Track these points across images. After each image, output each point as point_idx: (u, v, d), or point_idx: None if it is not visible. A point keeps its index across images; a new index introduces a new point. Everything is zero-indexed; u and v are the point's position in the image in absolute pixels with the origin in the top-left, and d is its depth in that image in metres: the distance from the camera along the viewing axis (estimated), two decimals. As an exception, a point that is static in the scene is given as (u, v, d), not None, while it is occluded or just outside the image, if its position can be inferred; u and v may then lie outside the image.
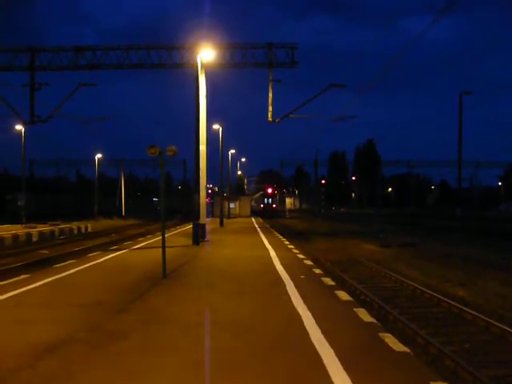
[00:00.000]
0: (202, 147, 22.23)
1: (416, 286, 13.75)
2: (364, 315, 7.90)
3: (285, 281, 11.20)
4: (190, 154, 22.95)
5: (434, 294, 12.44)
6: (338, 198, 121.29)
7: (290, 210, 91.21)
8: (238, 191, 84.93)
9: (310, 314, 7.77)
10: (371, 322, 7.54)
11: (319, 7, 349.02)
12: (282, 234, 29.10)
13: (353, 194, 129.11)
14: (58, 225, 37.22)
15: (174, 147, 11.89)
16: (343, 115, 33.91)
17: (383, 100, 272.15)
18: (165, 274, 11.55)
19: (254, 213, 68.12)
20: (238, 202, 64.59)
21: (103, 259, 15.72)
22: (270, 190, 77.18)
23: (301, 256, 17.01)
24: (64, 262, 15.41)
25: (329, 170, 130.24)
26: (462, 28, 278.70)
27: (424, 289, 13.25)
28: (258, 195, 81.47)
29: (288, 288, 10.23)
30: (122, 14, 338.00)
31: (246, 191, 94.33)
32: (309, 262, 15.26)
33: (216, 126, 40.23)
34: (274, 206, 74.94)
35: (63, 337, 6.48)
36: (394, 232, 35.18)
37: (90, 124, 37.51)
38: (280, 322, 7.48)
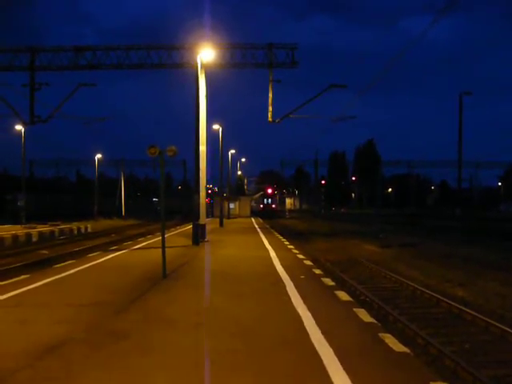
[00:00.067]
0: (202, 147, 22.22)
1: (416, 286, 13.75)
2: (364, 315, 7.90)
3: (285, 281, 11.20)
4: (190, 154, 22.96)
5: (434, 295, 12.44)
6: (337, 198, 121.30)
7: (290, 211, 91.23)
8: (237, 191, 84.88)
9: (309, 315, 7.77)
10: (371, 323, 7.54)
11: (319, 7, 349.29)
12: (281, 235, 29.11)
13: (353, 195, 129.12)
14: (57, 225, 37.21)
15: (173, 147, 11.89)
16: (343, 115, 33.93)
17: (383, 100, 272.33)
18: (165, 275, 11.55)
19: (254, 213, 68.12)
20: (237, 203, 64.60)
21: (103, 259, 15.72)
22: (269, 191, 77.23)
23: (301, 256, 17.02)
24: (64, 262, 15.42)
25: (329, 170, 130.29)
26: (461, 28, 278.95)
27: (424, 289, 13.26)
28: (257, 195, 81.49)
29: (288, 288, 10.23)
30: (122, 14, 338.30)
31: (246, 191, 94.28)
32: (309, 263, 15.26)
33: (216, 126, 40.22)
34: (274, 206, 74.98)
35: (63, 337, 6.48)
36: (394, 232, 35.17)
37: (90, 124, 37.44)
38: (280, 322, 7.48)
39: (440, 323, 10.15)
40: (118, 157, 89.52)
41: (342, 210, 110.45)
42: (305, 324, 7.21)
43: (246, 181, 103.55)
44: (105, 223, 50.51)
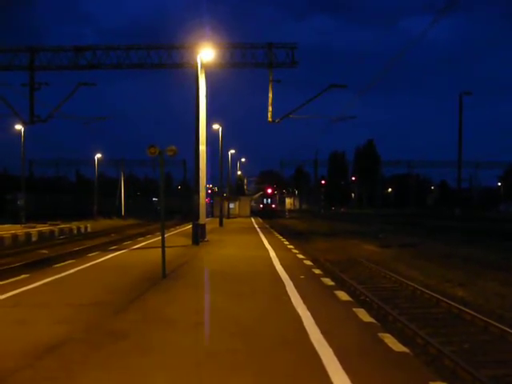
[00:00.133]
0: (202, 147, 22.22)
1: (416, 286, 13.76)
2: (363, 315, 7.91)
3: (284, 281, 11.20)
4: (190, 154, 22.99)
5: (434, 295, 12.44)
6: (337, 198, 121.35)
7: (290, 210, 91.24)
8: (237, 191, 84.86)
9: (309, 314, 7.77)
10: (371, 322, 7.54)
11: (319, 7, 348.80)
12: (281, 234, 29.12)
13: (352, 194, 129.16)
14: (57, 225, 37.21)
15: (173, 147, 11.89)
16: (343, 115, 33.98)
17: (383, 100, 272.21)
18: (164, 274, 11.55)
19: (254, 213, 68.14)
20: (237, 202, 64.61)
21: (103, 259, 15.72)
22: (269, 191, 77.29)
23: (300, 256, 17.02)
24: (63, 261, 15.42)
25: (329, 171, 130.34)
26: (461, 28, 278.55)
27: (424, 289, 13.26)
28: (257, 195, 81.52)
29: (288, 288, 10.23)
30: (122, 14, 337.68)
31: (246, 191, 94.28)
32: (308, 262, 15.27)
33: (216, 126, 40.23)
34: (274, 206, 75.03)
35: (63, 337, 6.48)
36: (394, 232, 35.18)
37: (89, 124, 37.43)
38: (279, 322, 7.48)
39: (439, 323, 10.16)
40: (118, 157, 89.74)
41: (342, 209, 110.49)
42: (304, 324, 7.21)
43: (245, 181, 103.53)
44: (104, 223, 50.52)
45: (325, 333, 6.68)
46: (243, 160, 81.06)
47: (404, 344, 6.56)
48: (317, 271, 13.26)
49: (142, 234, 31.09)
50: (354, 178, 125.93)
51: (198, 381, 5.03)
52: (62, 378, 5.06)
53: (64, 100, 28.51)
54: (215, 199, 60.90)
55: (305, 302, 8.70)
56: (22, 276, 12.06)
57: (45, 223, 38.31)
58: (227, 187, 58.26)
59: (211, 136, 38.10)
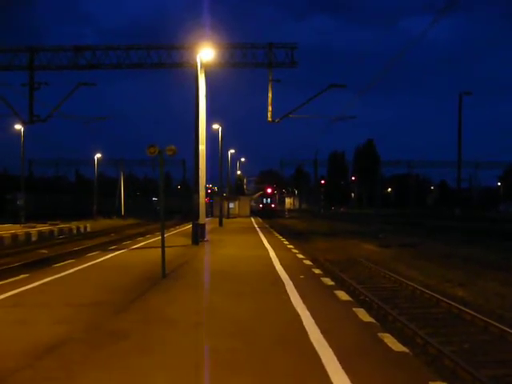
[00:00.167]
0: (202, 147, 22.22)
1: (415, 286, 13.75)
2: (363, 315, 7.91)
3: (284, 281, 11.20)
4: (190, 154, 22.96)
5: (434, 295, 12.44)
6: (337, 198, 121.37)
7: (290, 210, 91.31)
8: (237, 191, 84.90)
9: (309, 314, 7.77)
10: (370, 322, 7.54)
11: (319, 7, 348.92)
12: (281, 234, 29.12)
13: (352, 194, 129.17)
14: (57, 224, 37.20)
15: (173, 147, 11.89)
16: (343, 115, 33.96)
17: (383, 100, 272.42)
18: (164, 274, 11.55)
19: (254, 213, 68.14)
20: (237, 202, 64.58)
21: (102, 259, 15.72)
22: (269, 190, 77.30)
23: (300, 256, 17.02)
24: (63, 261, 15.42)
25: (328, 170, 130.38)
26: (462, 28, 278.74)
27: (423, 289, 13.25)
28: (257, 195, 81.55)
29: (287, 288, 10.23)
30: (122, 14, 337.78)
31: (246, 191, 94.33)
32: (308, 262, 15.26)
33: (216, 126, 40.24)
34: (273, 205, 75.05)
35: (63, 337, 6.48)
36: (394, 232, 35.18)
37: (89, 124, 37.49)
38: (279, 321, 7.48)
39: (439, 323, 10.16)
40: (118, 156, 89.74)
41: (342, 209, 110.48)
42: (304, 323, 7.21)
43: (245, 180, 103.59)
44: (104, 223, 50.52)
45: (324, 332, 6.68)
46: (243, 160, 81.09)
47: (404, 344, 6.56)
48: (316, 271, 13.26)
49: (142, 234, 31.08)
50: (353, 178, 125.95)
51: (198, 381, 5.03)
52: (62, 378, 5.06)
53: (64, 100, 28.55)
54: (215, 199, 60.90)
55: (304, 302, 8.70)
56: (22, 276, 12.05)
57: (44, 223, 38.30)
58: (227, 187, 58.25)
59: (211, 136, 38.10)
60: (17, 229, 31.51)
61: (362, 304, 10.55)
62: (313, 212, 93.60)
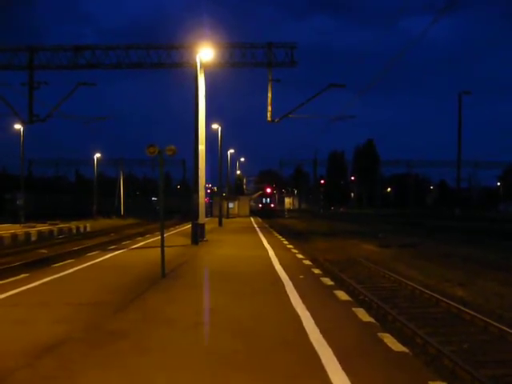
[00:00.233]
0: (201, 147, 22.21)
1: (415, 285, 13.75)
2: (363, 315, 7.91)
3: (284, 281, 11.20)
4: (189, 154, 22.96)
5: (433, 294, 12.44)
6: (337, 197, 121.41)
7: (289, 210, 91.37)
8: (237, 191, 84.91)
9: (308, 314, 7.77)
10: (370, 322, 7.54)
11: (319, 7, 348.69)
12: (280, 234, 29.12)
13: (352, 194, 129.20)
14: (56, 224, 37.19)
15: (173, 147, 11.88)
16: (342, 115, 33.98)
17: (383, 100, 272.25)
18: (164, 274, 11.55)
19: (253, 212, 68.16)
20: (237, 202, 64.58)
21: (102, 259, 15.72)
22: (268, 190, 77.37)
23: (300, 256, 17.02)
24: (63, 261, 15.42)
25: (328, 170, 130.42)
26: (462, 28, 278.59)
27: (423, 289, 13.25)
28: (256, 195, 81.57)
29: (287, 288, 10.23)
30: (122, 14, 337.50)
31: (245, 191, 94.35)
32: (308, 262, 15.26)
33: (215, 126, 40.22)
34: (273, 205, 75.14)
35: (62, 336, 6.48)
36: (394, 232, 35.19)
37: (89, 123, 37.41)
38: (279, 321, 7.48)
39: (439, 323, 10.16)
40: (117, 156, 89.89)
41: (341, 209, 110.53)
42: (304, 324, 7.21)
43: (245, 180, 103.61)
44: (104, 222, 50.50)
45: (324, 332, 6.68)
46: (242, 160, 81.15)
47: (403, 344, 6.56)
48: (316, 271, 13.26)
49: (141, 234, 31.07)
50: (353, 178, 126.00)
51: (198, 381, 5.03)
52: (62, 378, 5.06)
53: (63, 99, 28.53)
54: (214, 199, 60.87)
55: (304, 302, 8.70)
56: (22, 275, 12.04)
57: (44, 223, 38.29)
58: (226, 187, 58.21)
59: (210, 136, 38.13)
60: (16, 228, 31.50)
61: (361, 304, 10.55)
62: (312, 212, 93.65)
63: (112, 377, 5.09)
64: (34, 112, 27.74)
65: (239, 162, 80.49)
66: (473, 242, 27.08)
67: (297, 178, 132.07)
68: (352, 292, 12.79)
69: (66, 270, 12.95)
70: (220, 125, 40.61)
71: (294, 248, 20.08)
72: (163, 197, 12.72)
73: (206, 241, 22.32)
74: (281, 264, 14.20)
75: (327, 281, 11.46)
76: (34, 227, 32.94)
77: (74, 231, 36.58)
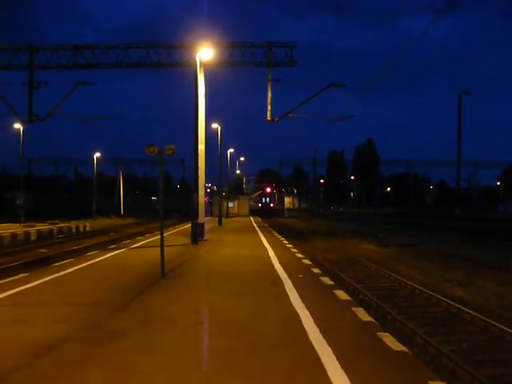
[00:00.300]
0: (201, 146, 22.21)
1: (415, 285, 13.75)
2: (362, 314, 7.91)
3: (283, 280, 11.20)
4: (189, 153, 22.95)
5: (433, 294, 12.44)
6: (336, 197, 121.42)
7: (289, 209, 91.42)
8: (236, 190, 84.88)
9: (308, 313, 7.77)
10: (369, 322, 7.54)
11: (319, 7, 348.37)
12: (280, 234, 29.12)
13: (351, 194, 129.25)
14: (56, 224, 37.19)
15: (172, 146, 11.89)
16: (342, 115, 33.95)
17: (383, 100, 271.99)
18: (163, 273, 11.55)
19: (253, 212, 68.19)
20: (236, 202, 64.58)
21: (102, 258, 15.71)
22: (268, 190, 77.43)
23: (299, 255, 17.01)
24: (62, 260, 15.41)
25: (328, 170, 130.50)
26: (462, 28, 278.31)
27: (423, 288, 13.26)
28: (256, 194, 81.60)
29: (287, 287, 10.23)
30: (122, 14, 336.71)
31: (245, 190, 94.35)
32: (307, 262, 15.26)
33: (215, 125, 40.22)
34: (272, 205, 75.21)
35: (62, 336, 6.47)
36: (393, 232, 35.20)
37: (88, 123, 37.46)
38: (278, 321, 7.48)
39: (438, 322, 10.16)
40: (117, 155, 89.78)
41: (341, 209, 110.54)
42: (303, 323, 7.21)
43: (244, 180, 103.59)
44: (103, 222, 50.50)
45: (324, 332, 6.68)
46: (242, 159, 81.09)
47: (403, 343, 6.56)
48: (316, 270, 13.26)
49: (141, 233, 31.06)
50: (352, 178, 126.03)
51: (198, 380, 5.03)
52: (61, 377, 5.05)
53: (63, 99, 28.53)
54: (214, 198, 60.86)
55: (304, 301, 8.70)
56: (21, 275, 12.04)
57: (44, 222, 38.29)
58: (226, 186, 58.20)
59: (210, 135, 38.12)
60: (16, 228, 31.51)
61: (361, 303, 10.55)
62: (312, 211, 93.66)
63: (112, 376, 5.09)
64: (34, 111, 27.75)
65: (239, 161, 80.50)
66: (473, 241, 27.09)
67: (296, 178, 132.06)
68: (352, 291, 12.80)
69: (66, 269, 12.94)
70: (220, 124, 40.63)
71: (294, 247, 20.08)
72: (163, 196, 12.72)
73: (206, 240, 22.32)
74: (280, 263, 14.20)
75: (327, 280, 11.46)
76: (33, 226, 32.94)
77: (74, 230, 36.57)
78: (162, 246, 11.65)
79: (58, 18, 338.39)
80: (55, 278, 11.60)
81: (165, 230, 14.27)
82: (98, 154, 69.76)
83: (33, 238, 29.11)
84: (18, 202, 49.30)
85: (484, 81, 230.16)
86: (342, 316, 7.87)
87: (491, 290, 13.43)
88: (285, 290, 9.87)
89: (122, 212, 71.43)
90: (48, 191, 64.97)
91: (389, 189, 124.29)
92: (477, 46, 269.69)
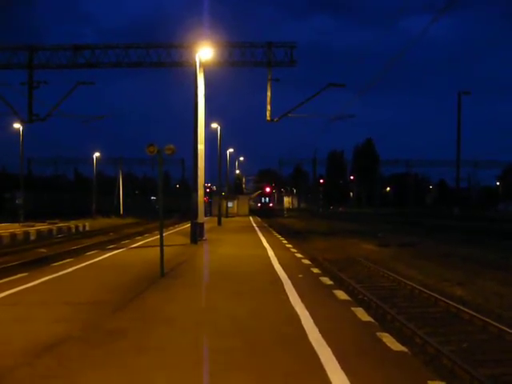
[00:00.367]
0: (201, 146, 22.21)
1: (414, 285, 13.76)
2: (362, 314, 7.91)
3: (283, 280, 11.20)
4: (189, 153, 22.91)
5: (433, 294, 12.45)
6: (336, 197, 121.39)
7: (288, 209, 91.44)
8: (236, 190, 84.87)
9: (307, 314, 7.77)
10: (369, 322, 7.54)
11: (319, 7, 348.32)
12: (280, 234, 29.11)
13: (351, 194, 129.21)
14: (56, 223, 37.17)
15: (172, 146, 11.88)
16: (342, 114, 33.93)
17: (382, 99, 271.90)
18: (163, 273, 11.55)
19: (252, 212, 68.19)
20: (236, 201, 64.55)
21: (101, 258, 15.71)
22: (267, 190, 77.46)
23: (299, 255, 17.01)
24: (62, 260, 15.40)
25: (327, 170, 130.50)
26: (461, 28, 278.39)
27: (422, 288, 13.26)
28: (255, 194, 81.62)
29: (286, 287, 10.23)
30: (122, 14, 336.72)
31: (245, 190, 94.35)
32: (307, 262, 15.26)
33: (214, 125, 40.22)
34: (271, 205, 75.24)
35: (61, 335, 6.48)
36: (393, 231, 35.21)
37: (88, 122, 37.45)
38: (278, 321, 7.48)
39: (438, 322, 10.17)
40: (117, 155, 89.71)
41: (341, 209, 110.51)
42: (303, 323, 7.21)
43: (244, 179, 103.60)
44: (103, 222, 50.49)
45: (323, 332, 6.68)
46: (242, 159, 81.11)
47: (402, 343, 6.56)
48: (315, 270, 13.26)
49: (141, 233, 31.04)
50: (352, 177, 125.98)
51: (198, 380, 5.03)
52: (61, 377, 5.05)
53: (63, 99, 28.53)
54: (214, 198, 60.82)
55: (303, 301, 8.71)
56: (21, 275, 12.03)
57: (43, 222, 38.26)
58: (226, 186, 58.20)
59: (210, 135, 38.10)
60: (15, 228, 31.49)
61: (360, 303, 10.55)
62: (311, 211, 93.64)
63: (111, 376, 5.09)
64: (34, 111, 27.76)
65: (238, 161, 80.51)
66: (472, 241, 27.10)
67: (296, 178, 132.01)
68: (351, 291, 12.80)
69: (65, 269, 12.94)
70: (219, 124, 40.65)
71: (293, 247, 20.08)
72: (162, 196, 12.71)
73: (206, 240, 22.32)
74: (280, 263, 14.20)
75: (326, 280, 11.46)
76: (33, 226, 32.91)
77: (73, 230, 36.55)
78: (161, 245, 11.65)
79: (57, 18, 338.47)
80: (55, 277, 11.60)
81: (164, 230, 14.27)
82: (97, 154, 69.70)
83: (32, 237, 29.09)
84: (17, 202, 49.32)
85: (484, 81, 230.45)
86: (341, 316, 7.87)
87: (491, 289, 13.44)
88: (284, 290, 9.88)
89: (121, 212, 71.39)
90: (47, 191, 64.90)
91: (388, 189, 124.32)
92: (477, 46, 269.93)
